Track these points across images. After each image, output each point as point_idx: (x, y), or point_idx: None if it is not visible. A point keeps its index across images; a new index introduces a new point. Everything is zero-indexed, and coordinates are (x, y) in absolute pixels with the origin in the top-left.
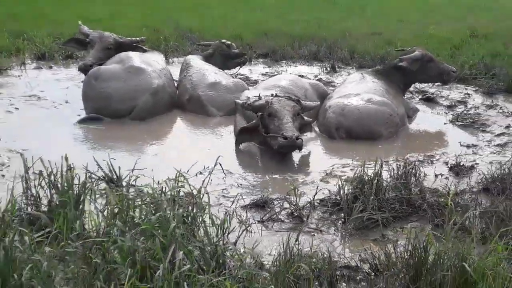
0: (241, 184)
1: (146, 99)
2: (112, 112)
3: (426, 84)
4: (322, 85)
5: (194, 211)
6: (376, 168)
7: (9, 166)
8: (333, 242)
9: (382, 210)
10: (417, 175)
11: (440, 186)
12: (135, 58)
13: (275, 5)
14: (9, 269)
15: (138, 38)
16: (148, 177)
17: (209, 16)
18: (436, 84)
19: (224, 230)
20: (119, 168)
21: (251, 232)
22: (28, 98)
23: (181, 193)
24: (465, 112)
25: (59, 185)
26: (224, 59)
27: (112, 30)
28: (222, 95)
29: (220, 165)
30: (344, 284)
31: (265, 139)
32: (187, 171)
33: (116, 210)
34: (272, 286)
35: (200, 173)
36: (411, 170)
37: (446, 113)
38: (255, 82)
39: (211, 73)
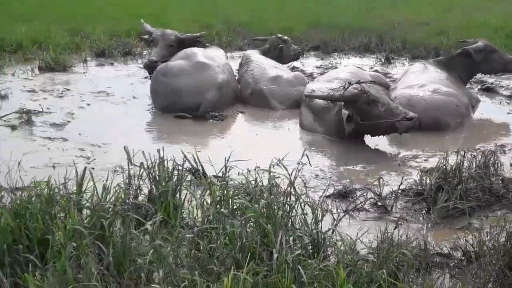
0: (317, 175)
1: (213, 94)
2: (181, 106)
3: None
4: (383, 77)
5: (292, 199)
6: (458, 158)
7: (95, 159)
8: (420, 230)
9: (467, 199)
10: (496, 164)
11: None
12: (200, 54)
13: None
14: (125, 255)
15: (198, 34)
16: (235, 167)
17: (258, 8)
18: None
19: (318, 219)
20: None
21: (337, 221)
22: (97, 95)
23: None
24: None
25: (157, 176)
26: (280, 53)
27: (165, 26)
28: (284, 88)
29: (307, 156)
30: (438, 270)
31: (365, 126)
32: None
33: (217, 199)
34: (384, 271)
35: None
36: (490, 159)
37: (508, 103)
38: (310, 75)
39: (272, 67)
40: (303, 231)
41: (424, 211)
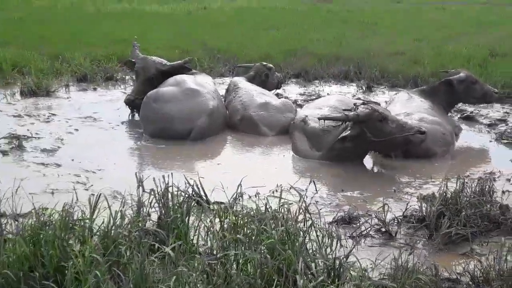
0: (317, 201)
1: (204, 120)
2: (172, 133)
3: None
4: None
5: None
6: (458, 185)
7: (92, 185)
8: (426, 256)
9: (467, 226)
10: (491, 192)
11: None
12: (190, 80)
13: (291, 24)
14: (143, 282)
15: (182, 61)
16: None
17: (230, 36)
18: None
19: (332, 245)
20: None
21: (345, 247)
22: (84, 120)
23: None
24: (508, 130)
25: (167, 203)
26: (265, 81)
27: (143, 52)
28: (273, 115)
29: (314, 183)
30: None
31: (378, 144)
32: (274, 190)
33: (229, 226)
34: None
35: (276, 191)
36: (486, 186)
37: (489, 131)
38: (295, 102)
39: (260, 94)
40: (320, 257)
41: (426, 237)
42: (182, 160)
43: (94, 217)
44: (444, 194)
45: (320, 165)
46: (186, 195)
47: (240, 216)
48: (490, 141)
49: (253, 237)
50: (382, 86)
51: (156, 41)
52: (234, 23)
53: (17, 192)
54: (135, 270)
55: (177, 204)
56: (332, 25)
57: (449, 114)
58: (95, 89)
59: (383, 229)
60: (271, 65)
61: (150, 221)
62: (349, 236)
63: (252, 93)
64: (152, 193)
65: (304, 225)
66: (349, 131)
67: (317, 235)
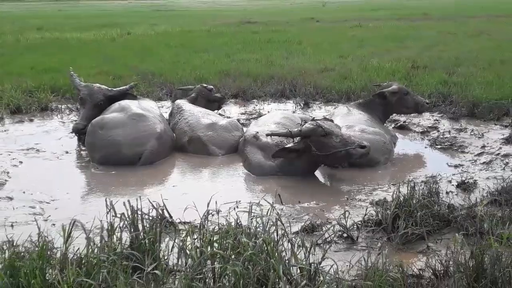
0: (278, 213)
1: (153, 144)
2: (121, 159)
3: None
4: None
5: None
6: (408, 188)
7: (50, 216)
8: (388, 256)
9: (421, 225)
10: (438, 193)
11: (457, 201)
12: (135, 105)
13: (219, 46)
14: None
15: (128, 86)
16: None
17: (160, 60)
18: None
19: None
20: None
21: (314, 254)
22: (27, 151)
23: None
24: (441, 136)
25: (137, 226)
26: (206, 102)
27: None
28: (221, 134)
29: (279, 196)
30: None
31: (323, 157)
32: (236, 206)
33: (205, 242)
34: None
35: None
36: (434, 189)
37: (422, 139)
38: (238, 121)
39: (206, 115)
40: (300, 264)
41: (385, 239)
42: (137, 185)
43: (66, 245)
44: (398, 198)
45: (273, 180)
46: (158, 217)
47: (215, 232)
48: (426, 147)
49: (230, 251)
50: (318, 102)
51: (86, 68)
52: (162, 47)
53: None
54: None
55: (148, 226)
56: (259, 45)
57: (385, 124)
58: (31, 120)
59: (345, 235)
60: (211, 86)
61: (123, 245)
62: (316, 244)
63: (197, 115)
64: (123, 217)
65: (276, 235)
66: (293, 144)
67: (291, 244)
